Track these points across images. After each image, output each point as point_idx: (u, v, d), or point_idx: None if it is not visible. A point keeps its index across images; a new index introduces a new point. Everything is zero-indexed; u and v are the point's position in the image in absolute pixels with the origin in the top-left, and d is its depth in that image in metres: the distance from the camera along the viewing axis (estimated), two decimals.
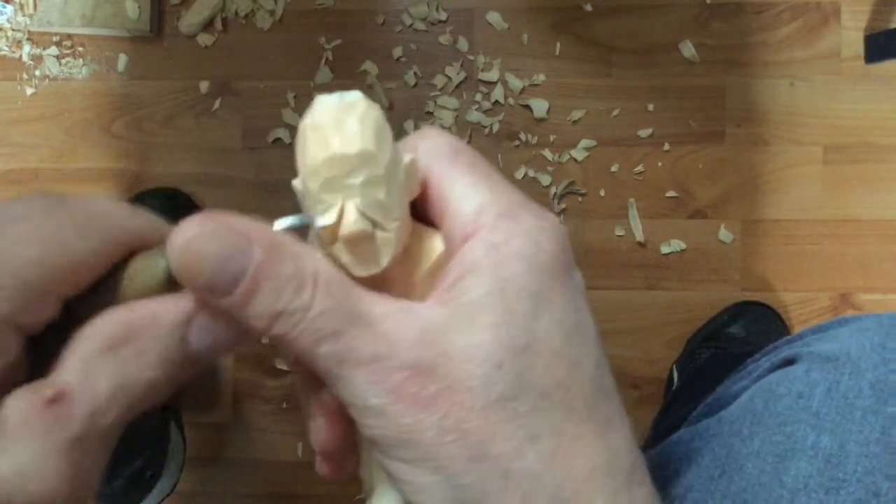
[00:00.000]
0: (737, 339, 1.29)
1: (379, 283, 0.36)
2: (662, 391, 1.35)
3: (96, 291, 0.35)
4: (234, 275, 0.32)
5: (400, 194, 0.35)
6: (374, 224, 0.35)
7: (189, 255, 0.32)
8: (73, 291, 0.33)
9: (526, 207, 0.36)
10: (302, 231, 0.36)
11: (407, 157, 0.36)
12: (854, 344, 0.59)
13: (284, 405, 1.40)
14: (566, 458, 0.34)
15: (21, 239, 0.32)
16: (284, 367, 1.39)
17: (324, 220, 0.34)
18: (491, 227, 0.35)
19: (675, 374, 1.32)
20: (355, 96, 0.35)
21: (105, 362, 0.33)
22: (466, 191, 0.36)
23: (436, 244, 0.38)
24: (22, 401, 0.31)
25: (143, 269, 0.35)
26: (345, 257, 0.35)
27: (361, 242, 0.35)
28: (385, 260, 0.35)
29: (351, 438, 0.40)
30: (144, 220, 0.36)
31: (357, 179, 0.34)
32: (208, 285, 0.33)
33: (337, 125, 0.34)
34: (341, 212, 0.34)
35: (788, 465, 0.55)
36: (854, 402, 0.55)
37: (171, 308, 0.34)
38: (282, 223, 0.35)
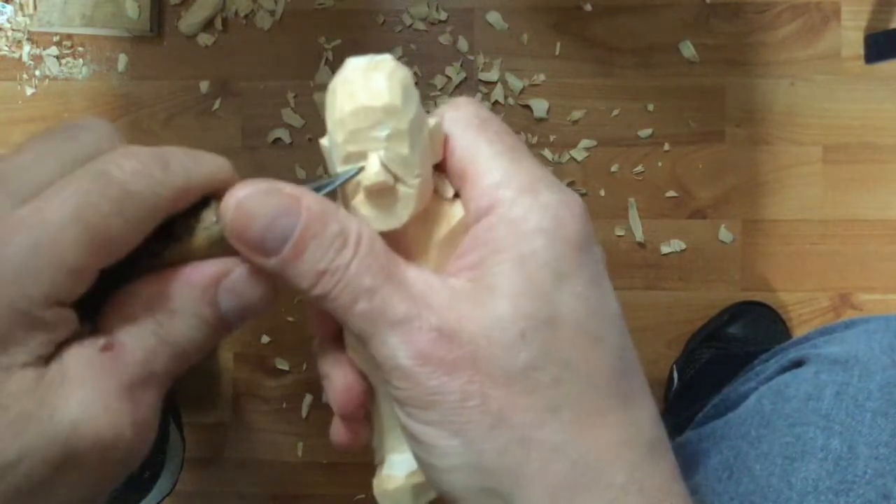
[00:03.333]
0: (737, 339, 1.29)
1: (397, 242, 0.37)
2: (663, 391, 1.36)
3: (142, 251, 0.35)
4: (283, 234, 0.34)
5: (423, 153, 0.36)
6: (396, 179, 0.35)
7: (241, 213, 0.34)
8: (111, 263, 0.34)
9: (546, 182, 0.36)
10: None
11: (432, 120, 0.37)
12: (862, 346, 0.59)
13: (284, 405, 1.40)
14: (587, 429, 0.35)
15: (63, 218, 0.31)
16: (284, 367, 1.39)
17: (347, 168, 0.36)
18: (511, 201, 0.35)
19: (675, 375, 1.32)
20: (385, 56, 0.36)
21: (145, 320, 0.34)
22: (489, 161, 0.37)
23: (456, 210, 0.38)
24: (78, 351, 0.32)
25: (197, 229, 0.36)
26: (365, 210, 0.36)
27: (383, 195, 0.36)
28: (405, 215, 0.36)
29: (365, 402, 0.41)
30: (206, 171, 0.37)
31: (382, 132, 0.35)
32: (258, 243, 0.34)
33: (365, 80, 0.35)
34: (365, 164, 0.35)
35: (797, 467, 0.55)
36: (864, 405, 0.55)
37: (202, 271, 0.35)
38: (312, 183, 0.36)
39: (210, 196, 0.36)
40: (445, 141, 0.38)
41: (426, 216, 0.38)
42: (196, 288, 0.35)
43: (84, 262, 0.32)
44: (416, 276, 0.35)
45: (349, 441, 0.42)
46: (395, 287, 0.34)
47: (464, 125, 0.38)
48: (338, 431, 0.42)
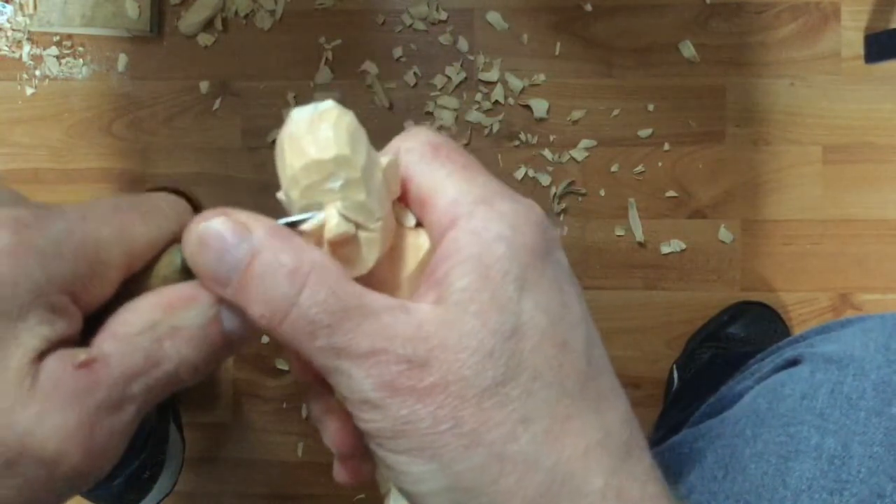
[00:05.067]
0: (737, 339, 1.29)
1: (368, 283, 0.36)
2: (662, 391, 1.36)
3: (143, 274, 0.36)
4: (233, 265, 0.33)
5: (380, 195, 0.36)
6: (357, 226, 0.35)
7: (196, 245, 0.34)
8: (129, 273, 0.35)
9: (502, 194, 0.36)
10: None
11: (384, 159, 0.37)
12: (858, 345, 0.59)
13: (284, 405, 1.40)
14: (559, 438, 0.35)
15: (94, 215, 0.34)
16: (284, 367, 1.39)
17: (307, 225, 0.35)
18: (468, 214, 0.35)
19: (675, 375, 1.32)
20: (328, 104, 0.36)
21: (142, 338, 0.34)
22: (443, 182, 0.37)
23: (421, 241, 0.38)
24: (56, 361, 0.32)
25: (166, 261, 0.36)
26: None
27: (346, 245, 0.36)
28: (371, 259, 0.36)
29: (364, 442, 0.40)
30: (184, 213, 0.38)
31: (336, 184, 0.35)
32: (210, 274, 0.34)
33: (311, 133, 0.35)
34: (324, 218, 0.35)
35: (792, 465, 0.55)
36: (858, 404, 0.56)
37: (206, 290, 0.36)
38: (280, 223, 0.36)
39: None
40: (402, 174, 0.38)
41: (393, 253, 0.38)
42: (199, 307, 0.35)
43: (105, 257, 0.34)
44: (381, 306, 0.34)
45: (353, 480, 0.42)
46: (357, 321, 0.34)
47: (417, 155, 0.38)
48: (340, 472, 0.42)
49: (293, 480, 1.40)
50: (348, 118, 0.35)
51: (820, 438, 0.55)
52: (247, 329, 0.36)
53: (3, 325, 0.31)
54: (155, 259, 0.36)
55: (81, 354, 0.33)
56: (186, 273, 0.36)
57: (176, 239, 0.36)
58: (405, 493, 0.37)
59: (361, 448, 0.40)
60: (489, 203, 0.36)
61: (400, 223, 0.38)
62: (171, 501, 1.37)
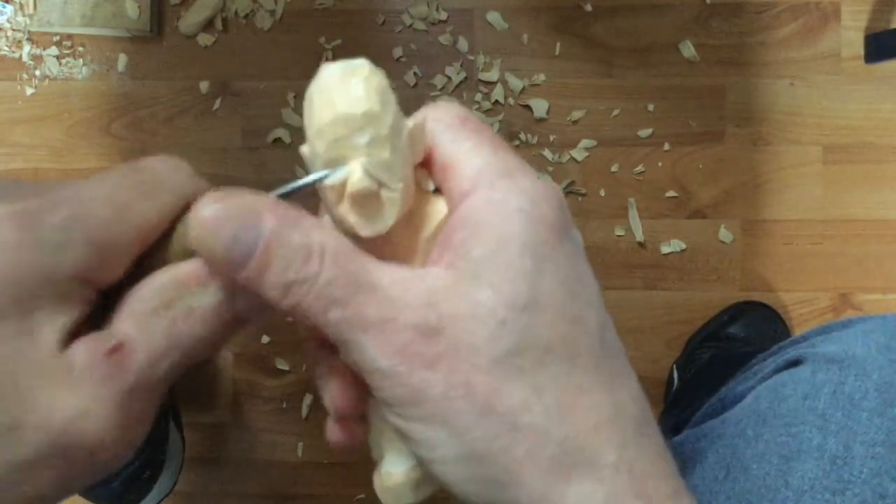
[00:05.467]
0: (737, 339, 1.29)
1: (383, 247, 0.37)
2: (662, 391, 1.36)
3: (156, 248, 0.37)
4: (247, 249, 0.34)
5: (404, 156, 0.36)
6: (380, 184, 0.36)
7: (204, 232, 0.34)
8: (141, 250, 0.36)
9: (523, 169, 0.37)
10: (304, 195, 0.37)
11: (411, 121, 0.37)
12: (859, 345, 0.59)
13: (284, 405, 1.40)
14: (571, 411, 0.35)
15: (97, 197, 0.34)
16: (285, 367, 1.39)
17: (331, 179, 0.36)
18: (489, 185, 0.36)
19: (675, 374, 1.32)
20: (360, 62, 0.36)
21: (159, 318, 0.35)
22: (469, 153, 0.37)
23: (439, 208, 0.38)
24: (87, 348, 0.33)
25: (180, 233, 0.37)
26: (351, 217, 0.36)
27: (367, 201, 0.36)
28: (390, 219, 0.36)
29: (362, 403, 0.41)
30: (197, 183, 0.38)
31: (362, 139, 0.35)
32: (224, 261, 0.34)
33: (343, 87, 0.35)
34: (348, 172, 0.36)
35: (794, 466, 0.55)
36: (860, 404, 0.56)
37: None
38: (287, 186, 0.37)
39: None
40: (427, 141, 0.38)
41: (411, 216, 0.38)
42: (213, 285, 0.36)
43: (113, 239, 0.34)
44: (390, 277, 0.35)
45: (346, 440, 0.42)
46: (367, 293, 0.34)
47: (445, 124, 0.38)
48: (334, 431, 0.42)
49: (293, 480, 1.40)
50: (379, 77, 0.36)
51: (822, 439, 0.55)
52: (259, 308, 0.37)
53: (20, 320, 0.32)
54: (168, 231, 0.37)
55: (109, 340, 0.34)
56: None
57: (186, 207, 0.37)
58: (421, 461, 0.37)
59: (359, 410, 0.41)
60: (511, 176, 0.36)
61: (419, 187, 0.38)
62: (171, 501, 1.37)
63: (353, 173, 0.35)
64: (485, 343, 0.34)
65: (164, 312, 0.35)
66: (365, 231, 0.36)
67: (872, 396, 0.55)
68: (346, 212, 0.36)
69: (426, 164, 0.39)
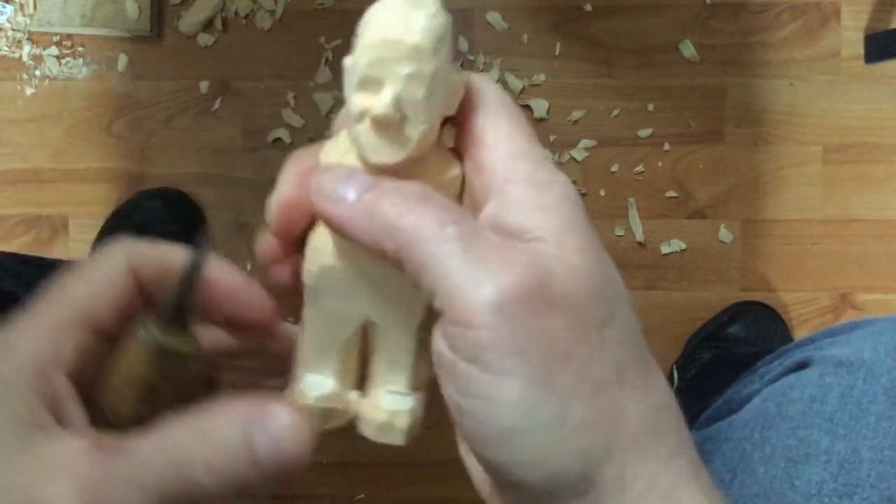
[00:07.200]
0: (737, 339, 1.29)
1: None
2: None
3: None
4: (365, 184, 0.35)
5: (438, 104, 0.36)
6: (404, 118, 0.36)
7: (321, 177, 0.36)
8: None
9: (554, 167, 0.37)
10: None
11: (458, 76, 0.37)
12: (867, 348, 0.59)
13: None
14: (651, 388, 0.35)
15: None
16: None
17: (361, 97, 0.36)
18: (530, 171, 0.36)
19: (675, 375, 1.33)
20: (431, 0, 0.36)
21: (167, 437, 0.35)
22: (506, 134, 0.37)
23: (453, 168, 0.39)
24: (73, 439, 0.34)
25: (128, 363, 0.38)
26: (367, 136, 0.36)
27: (386, 128, 0.36)
28: (402, 154, 0.36)
29: (304, 231, 0.40)
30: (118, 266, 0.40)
31: (404, 69, 0.35)
32: (342, 184, 0.36)
33: (403, 14, 0.35)
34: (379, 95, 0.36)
35: (801, 469, 0.55)
36: (868, 408, 0.56)
37: (245, 403, 0.36)
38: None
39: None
40: (465, 100, 0.38)
41: (421, 163, 0.37)
42: (236, 418, 0.35)
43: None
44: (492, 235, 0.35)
45: (275, 255, 0.40)
46: (481, 225, 0.34)
47: (490, 98, 0.38)
48: (267, 242, 0.40)
49: (293, 480, 1.40)
50: (442, 19, 0.36)
51: (830, 442, 0.55)
52: (279, 455, 0.35)
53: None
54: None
55: (97, 437, 0.34)
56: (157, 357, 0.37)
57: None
58: (501, 433, 0.33)
59: (299, 231, 0.40)
60: (548, 167, 0.36)
61: (440, 140, 0.38)
62: None
63: (384, 96, 0.35)
64: (584, 307, 0.33)
65: (176, 432, 0.35)
66: (374, 157, 0.36)
67: (881, 400, 0.56)
68: (364, 129, 0.36)
69: (455, 123, 0.39)
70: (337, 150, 0.39)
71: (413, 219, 0.34)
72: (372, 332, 0.40)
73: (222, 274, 0.41)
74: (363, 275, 0.39)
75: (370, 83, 0.35)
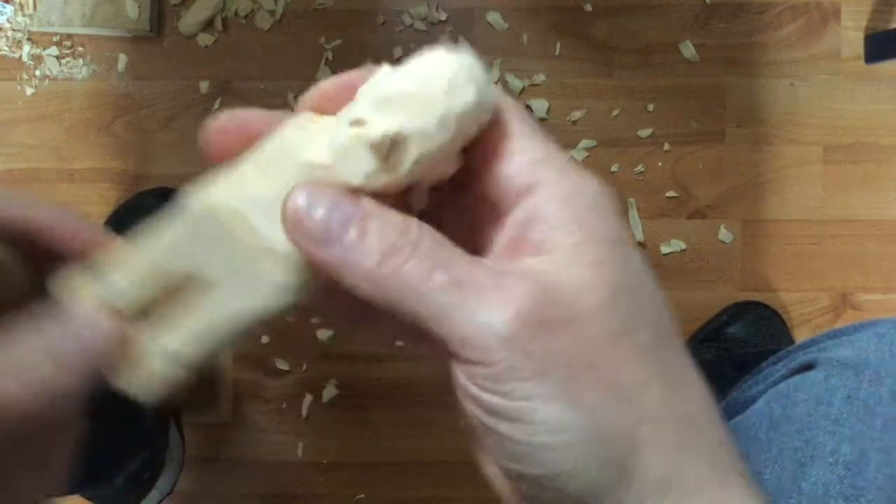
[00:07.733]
0: (737, 339, 1.29)
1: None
2: None
3: None
4: (345, 218, 0.33)
5: (437, 157, 0.35)
6: (398, 145, 0.34)
7: (299, 212, 0.33)
8: None
9: (578, 168, 0.36)
10: None
11: (487, 114, 0.36)
12: (872, 350, 0.59)
13: (284, 405, 1.39)
14: (683, 390, 0.35)
15: None
16: (285, 367, 1.38)
17: (368, 108, 0.34)
18: (556, 179, 0.35)
19: None
20: (483, 73, 0.35)
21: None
22: (526, 141, 0.36)
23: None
24: None
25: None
26: (351, 146, 0.34)
27: (377, 151, 0.34)
28: (384, 178, 0.34)
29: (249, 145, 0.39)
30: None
31: (426, 124, 0.34)
32: (322, 231, 0.33)
33: (452, 79, 0.34)
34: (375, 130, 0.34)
35: (807, 471, 0.55)
36: (874, 410, 0.56)
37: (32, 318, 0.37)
38: None
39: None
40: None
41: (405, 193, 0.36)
42: (33, 324, 0.36)
43: None
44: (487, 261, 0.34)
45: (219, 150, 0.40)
46: (472, 260, 0.33)
47: (511, 106, 0.37)
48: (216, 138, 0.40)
49: (293, 480, 1.40)
50: (490, 97, 0.35)
51: (835, 444, 0.55)
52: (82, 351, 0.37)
53: None
54: None
55: None
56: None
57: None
58: (532, 449, 0.33)
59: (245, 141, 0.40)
60: (573, 172, 0.36)
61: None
62: (171, 501, 1.37)
63: (390, 125, 0.33)
64: (601, 318, 0.33)
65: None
66: (355, 175, 0.34)
67: (887, 402, 0.56)
68: (353, 137, 0.34)
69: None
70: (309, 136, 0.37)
71: (399, 271, 0.33)
72: (196, 289, 0.38)
73: (38, 212, 0.41)
74: (235, 242, 0.37)
75: (387, 106, 0.34)
